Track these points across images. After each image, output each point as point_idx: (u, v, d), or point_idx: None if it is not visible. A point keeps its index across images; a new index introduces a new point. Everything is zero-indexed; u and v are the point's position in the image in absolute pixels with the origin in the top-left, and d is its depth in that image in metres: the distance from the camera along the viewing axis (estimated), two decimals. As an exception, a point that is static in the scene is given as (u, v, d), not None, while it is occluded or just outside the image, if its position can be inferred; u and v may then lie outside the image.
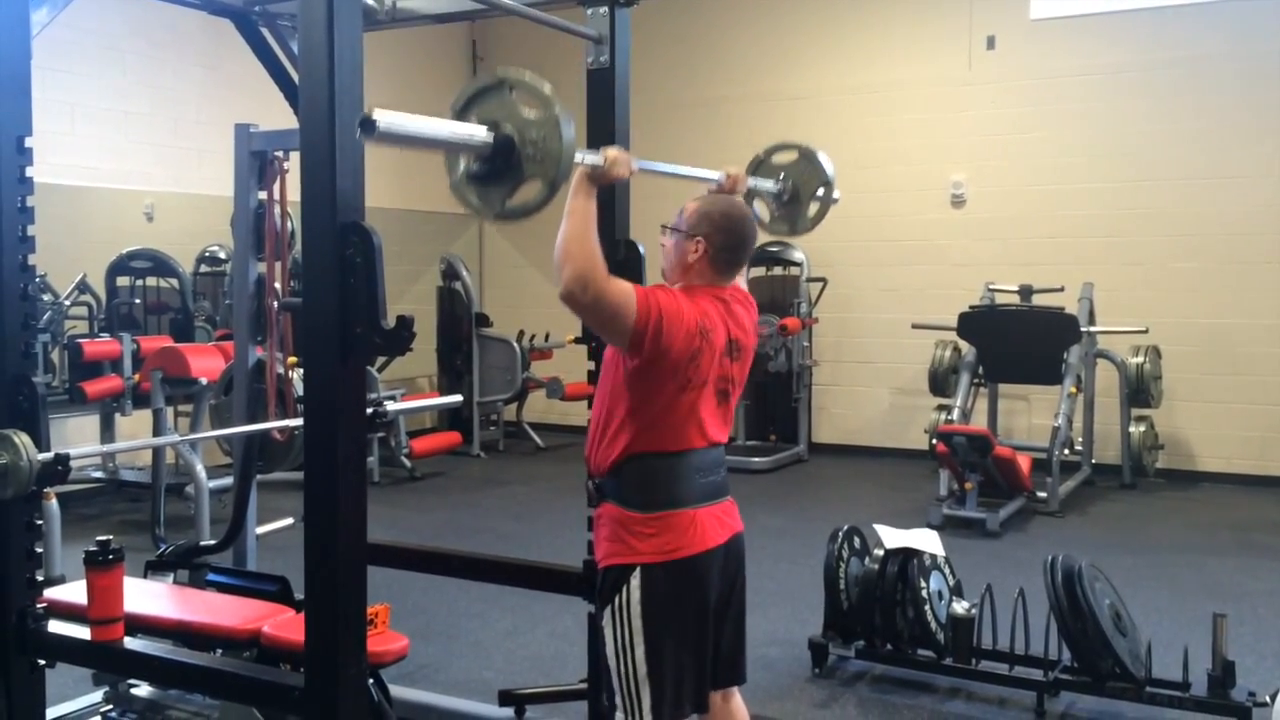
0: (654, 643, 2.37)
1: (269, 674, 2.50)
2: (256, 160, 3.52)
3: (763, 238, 8.71)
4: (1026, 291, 7.59)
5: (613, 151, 2.33)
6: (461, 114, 2.11)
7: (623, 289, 2.29)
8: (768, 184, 3.14)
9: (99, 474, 6.71)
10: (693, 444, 2.42)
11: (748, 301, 2.63)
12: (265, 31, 3.36)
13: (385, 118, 1.80)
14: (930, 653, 3.90)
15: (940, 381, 7.75)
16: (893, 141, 8.56)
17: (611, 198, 2.92)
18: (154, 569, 3.41)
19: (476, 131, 2.04)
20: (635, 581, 2.38)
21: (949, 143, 8.40)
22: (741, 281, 2.71)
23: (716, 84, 9.20)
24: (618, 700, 2.42)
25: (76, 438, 6.52)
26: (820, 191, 3.19)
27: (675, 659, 2.40)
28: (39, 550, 2.61)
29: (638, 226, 3.01)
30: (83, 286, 7.01)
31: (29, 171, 2.53)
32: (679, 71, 9.19)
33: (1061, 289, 7.47)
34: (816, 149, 3.20)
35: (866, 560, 4.06)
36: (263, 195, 3.53)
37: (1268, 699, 3.36)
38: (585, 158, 2.24)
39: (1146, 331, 7.36)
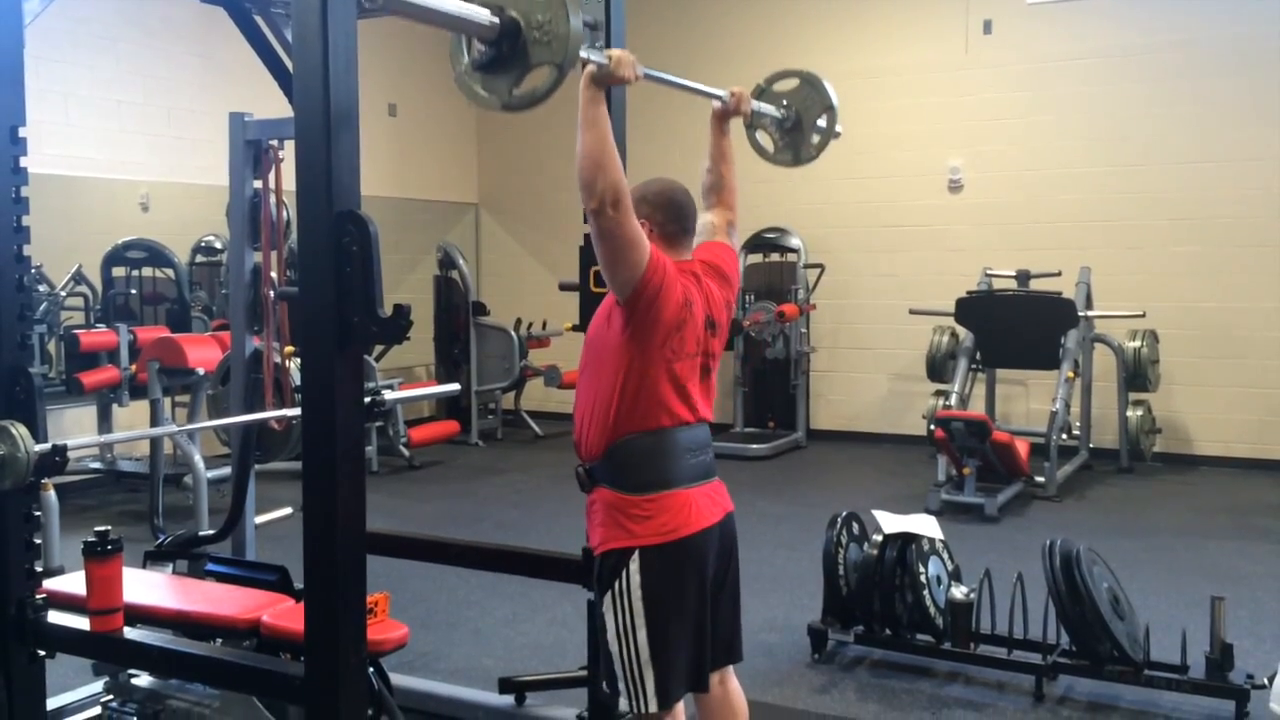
0: (656, 625, 2.38)
1: (269, 663, 2.50)
2: (251, 149, 3.51)
3: (760, 224, 8.65)
4: (1024, 276, 7.59)
5: (617, 52, 2.30)
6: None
7: (635, 221, 2.31)
8: (770, 109, 3.12)
9: (97, 465, 6.71)
10: (681, 418, 2.44)
11: (718, 272, 2.61)
12: (259, 19, 3.34)
13: None
14: (929, 637, 3.91)
15: (938, 367, 7.76)
16: (890, 127, 8.54)
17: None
18: (153, 559, 3.40)
19: (481, 12, 1.99)
20: (634, 565, 2.38)
21: (946, 128, 8.39)
22: (727, 240, 2.76)
23: (712, 70, 9.13)
24: (620, 685, 2.43)
25: (73, 429, 6.52)
26: (822, 120, 3.14)
27: (677, 639, 2.41)
28: (37, 541, 2.61)
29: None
30: (78, 277, 7.00)
31: (23, 162, 2.52)
32: (675, 57, 9.15)
33: (1059, 274, 7.47)
34: (820, 75, 3.16)
35: (865, 546, 4.07)
36: (258, 184, 3.52)
37: (1265, 681, 3.37)
38: (590, 56, 2.20)
39: (1144, 316, 7.37)
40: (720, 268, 2.63)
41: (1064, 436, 6.98)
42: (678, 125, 8.95)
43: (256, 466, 3.57)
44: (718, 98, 2.84)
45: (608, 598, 2.43)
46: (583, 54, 2.08)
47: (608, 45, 2.90)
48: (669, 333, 2.38)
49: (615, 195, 2.23)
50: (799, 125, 3.15)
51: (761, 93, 3.18)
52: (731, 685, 2.68)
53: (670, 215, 2.53)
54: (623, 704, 2.44)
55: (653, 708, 2.39)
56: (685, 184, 2.64)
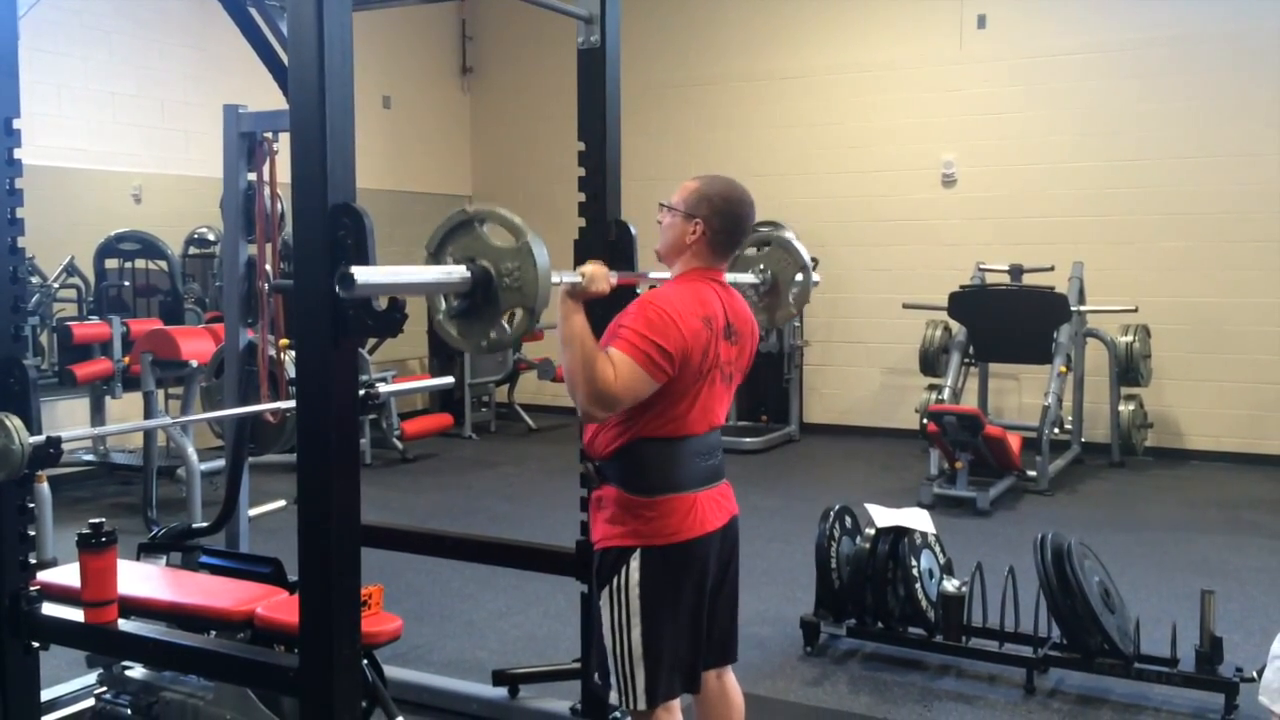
0: (650, 624, 2.39)
1: (263, 655, 2.51)
2: (245, 141, 3.50)
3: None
4: (1017, 271, 7.61)
5: (589, 268, 2.33)
6: (436, 253, 2.14)
7: (626, 374, 2.28)
8: (748, 277, 3.15)
9: (90, 457, 6.70)
10: (695, 430, 2.44)
11: (740, 290, 2.64)
12: (253, 12, 3.33)
13: (363, 273, 1.82)
14: (921, 630, 3.93)
15: (931, 361, 7.78)
16: (884, 121, 8.55)
17: (604, 179, 2.92)
18: (147, 551, 3.40)
19: (455, 270, 2.07)
20: (635, 563, 2.39)
21: (940, 122, 8.39)
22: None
23: (708, 64, 9.17)
24: (612, 680, 2.44)
25: (66, 421, 6.50)
26: (799, 277, 3.20)
27: (671, 640, 2.42)
28: (32, 533, 2.61)
29: (629, 206, 3.00)
30: (71, 269, 6.98)
31: (16, 154, 2.52)
32: (670, 51, 9.16)
33: (1052, 268, 7.49)
34: (786, 232, 3.20)
35: (858, 539, 4.08)
36: (252, 177, 3.51)
37: (1254, 674, 3.38)
38: (564, 278, 2.26)
39: (1136, 310, 7.39)
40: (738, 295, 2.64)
41: (1056, 431, 7.01)
42: (672, 121, 8.97)
43: (250, 459, 3.57)
44: None
45: (605, 593, 2.43)
46: (555, 279, 2.14)
47: (602, 38, 2.91)
48: (695, 361, 2.37)
49: (597, 403, 2.28)
50: (775, 287, 3.20)
51: (735, 260, 3.21)
52: (728, 681, 2.69)
53: (725, 225, 2.49)
54: (614, 698, 2.45)
55: (641, 705, 2.41)
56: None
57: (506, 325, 2.09)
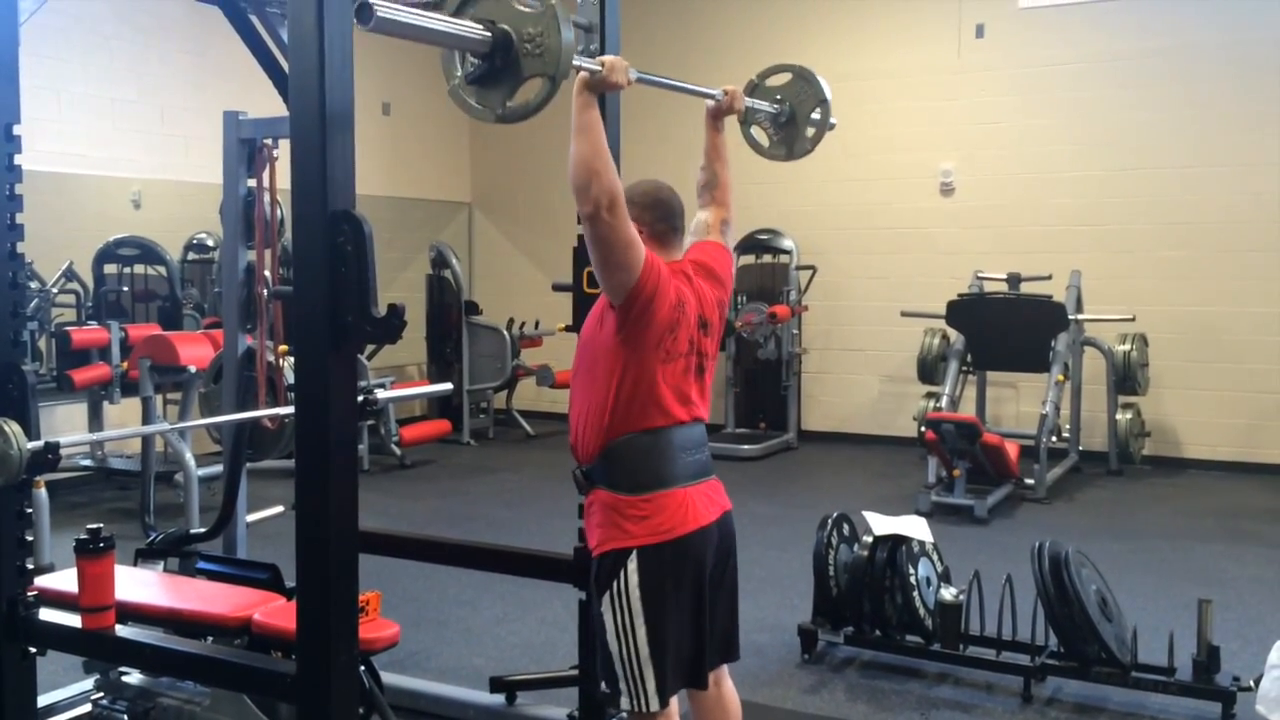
0: (655, 623, 2.39)
1: (260, 661, 2.51)
2: (245, 148, 3.51)
3: (753, 225, 8.65)
4: (1015, 279, 7.62)
5: (609, 58, 2.33)
6: (457, 12, 2.08)
7: (634, 226, 2.33)
8: (764, 105, 3.14)
9: (87, 462, 6.69)
10: (676, 418, 2.45)
11: (710, 272, 2.62)
12: (254, 18, 3.34)
13: (383, 7, 1.78)
14: (918, 638, 3.93)
15: (929, 369, 7.78)
16: (882, 129, 8.56)
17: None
18: (144, 557, 3.40)
19: (474, 27, 2.01)
20: (632, 565, 2.39)
21: (938, 131, 8.41)
22: (720, 238, 2.77)
23: (706, 71, 9.16)
24: (621, 685, 2.43)
25: (64, 426, 6.50)
26: (816, 113, 3.15)
27: (676, 638, 2.42)
28: (30, 539, 2.61)
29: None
30: (70, 274, 6.98)
31: (17, 159, 2.52)
32: (668, 58, 9.17)
33: (1049, 277, 7.50)
34: (813, 69, 3.17)
35: (855, 547, 4.08)
36: (252, 183, 3.52)
37: (1251, 683, 3.39)
38: (583, 64, 2.22)
39: (1134, 319, 7.40)
40: (712, 268, 2.63)
41: (1054, 439, 7.01)
42: (670, 127, 8.97)
43: (248, 464, 3.57)
44: (711, 96, 2.86)
45: (606, 598, 2.43)
46: (575, 62, 2.10)
47: (602, 46, 2.92)
48: (662, 334, 2.39)
49: (610, 199, 2.24)
50: (793, 120, 3.17)
51: (755, 88, 3.20)
52: (726, 686, 2.69)
53: (659, 215, 2.55)
54: (624, 703, 2.44)
55: (654, 706, 2.40)
56: (680, 185, 2.66)
57: (525, 94, 2.04)
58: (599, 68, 2.27)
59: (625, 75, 2.33)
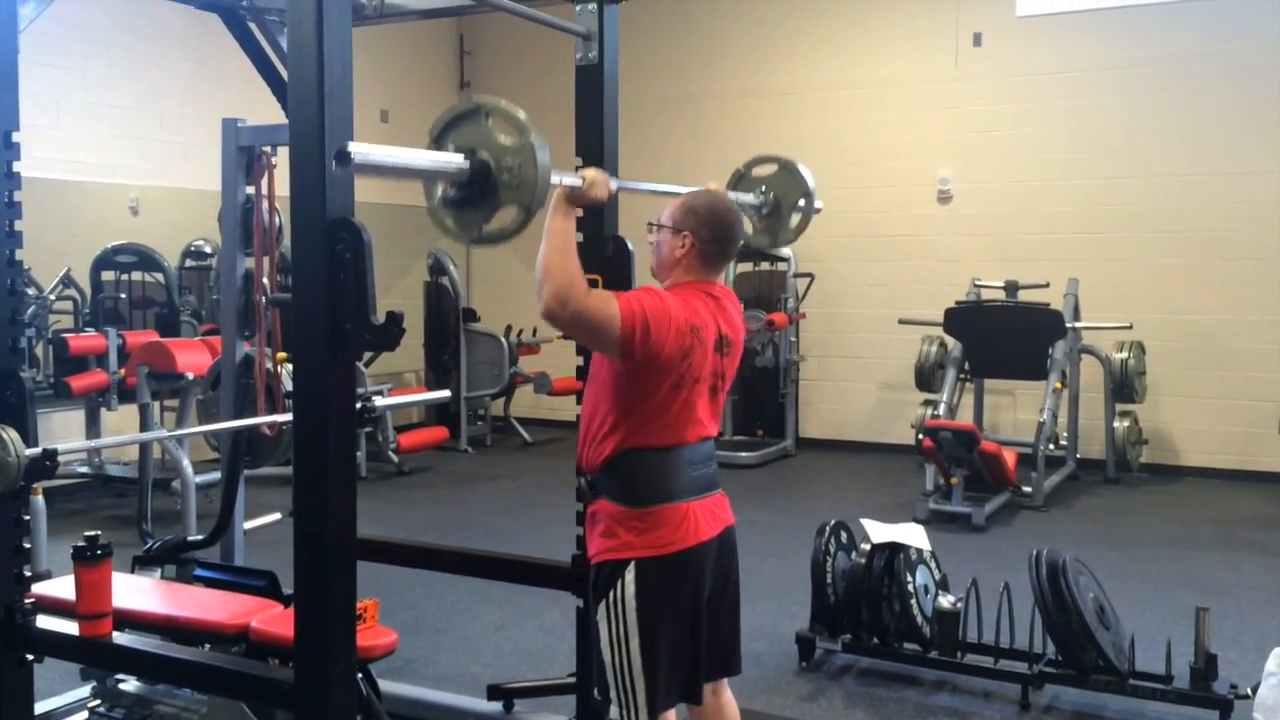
0: (649, 636, 2.39)
1: (258, 669, 2.50)
2: (244, 155, 3.52)
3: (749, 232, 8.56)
4: (1012, 287, 7.64)
5: (590, 173, 2.36)
6: (438, 141, 2.13)
7: (603, 302, 2.30)
8: (748, 198, 3.17)
9: (85, 469, 6.68)
10: (685, 439, 2.44)
11: (735, 299, 2.64)
12: (253, 26, 3.35)
13: (360, 149, 1.83)
14: (916, 646, 3.93)
15: (926, 377, 7.79)
16: (880, 137, 8.58)
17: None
18: (141, 564, 3.40)
19: (453, 159, 2.06)
20: (630, 576, 2.39)
21: (936, 139, 8.43)
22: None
23: (705, 80, 9.21)
24: (612, 694, 2.44)
25: (61, 433, 6.49)
26: (801, 202, 3.22)
27: (669, 652, 2.41)
28: (27, 546, 2.61)
29: (625, 222, 3.01)
30: (67, 281, 6.98)
31: (15, 166, 2.52)
32: (667, 67, 9.20)
33: (1047, 285, 7.51)
34: (796, 161, 3.21)
35: (853, 554, 4.08)
36: (250, 190, 3.52)
37: (1249, 691, 3.39)
38: (563, 179, 2.27)
39: (1131, 327, 7.41)
40: (733, 297, 2.65)
41: (1051, 447, 7.02)
42: (670, 129, 8.99)
43: (246, 472, 3.58)
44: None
45: (602, 607, 2.43)
46: (554, 180, 2.15)
47: (600, 54, 2.92)
48: (672, 363, 2.36)
49: (560, 301, 2.26)
50: (777, 210, 3.22)
51: (741, 177, 3.25)
52: (725, 696, 2.68)
53: (714, 236, 2.51)
54: (614, 712, 2.44)
55: (643, 718, 2.40)
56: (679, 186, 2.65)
57: (501, 220, 2.09)
58: (580, 182, 2.31)
59: (605, 189, 2.37)
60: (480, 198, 2.08)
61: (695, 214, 2.50)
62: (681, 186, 2.79)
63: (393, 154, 1.94)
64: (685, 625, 2.44)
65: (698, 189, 2.64)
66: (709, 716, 2.65)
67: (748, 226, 3.26)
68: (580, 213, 2.44)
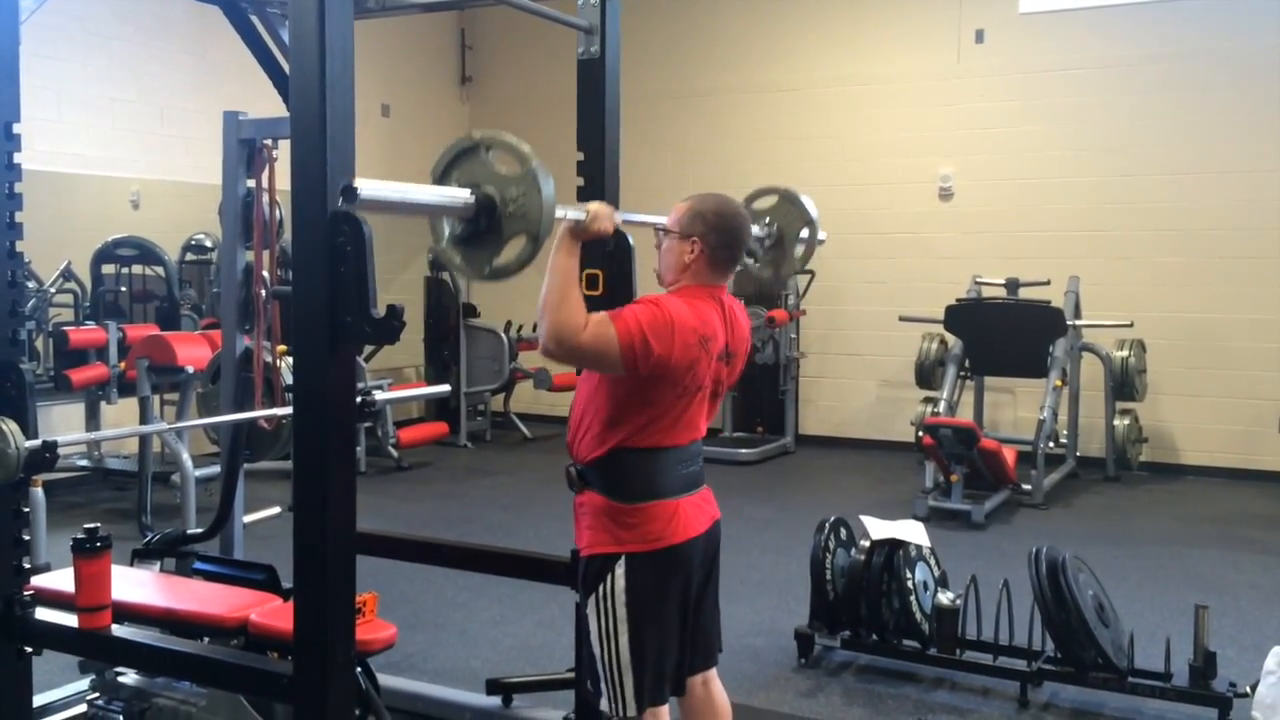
0: (637, 630, 2.40)
1: (257, 662, 2.50)
2: (245, 148, 3.51)
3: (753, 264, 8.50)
4: (1013, 285, 7.63)
5: (594, 206, 2.36)
6: (442, 179, 2.13)
7: (600, 332, 2.30)
8: (754, 229, 3.15)
9: (84, 462, 6.69)
10: (678, 441, 2.46)
11: (742, 308, 2.66)
12: (254, 19, 3.34)
13: (367, 187, 1.84)
14: (915, 643, 3.93)
15: (927, 374, 7.79)
16: (881, 134, 8.57)
17: (603, 190, 2.92)
18: (141, 557, 3.40)
19: (459, 194, 2.07)
20: (620, 570, 2.40)
21: (937, 136, 8.42)
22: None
23: (706, 75, 9.20)
24: (601, 686, 2.45)
25: (61, 426, 6.49)
26: (804, 233, 3.20)
27: (657, 645, 2.43)
28: (26, 538, 2.61)
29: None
30: (68, 274, 6.97)
31: (16, 158, 2.52)
32: (669, 62, 9.18)
33: (1048, 282, 7.51)
34: (797, 191, 3.20)
35: (853, 551, 4.08)
36: (251, 183, 3.52)
37: (1248, 689, 3.39)
38: (568, 213, 2.28)
39: (1131, 325, 7.41)
40: (741, 309, 2.65)
41: (1051, 444, 7.01)
42: (670, 130, 8.99)
43: (245, 465, 3.57)
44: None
45: (591, 600, 2.45)
46: (559, 214, 2.14)
47: (602, 48, 2.92)
48: (678, 375, 2.37)
49: (557, 339, 2.29)
50: (780, 242, 3.20)
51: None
52: (715, 687, 2.69)
53: (723, 240, 2.50)
54: (603, 705, 2.46)
55: (631, 711, 2.42)
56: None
57: (509, 254, 2.09)
58: (583, 215, 2.32)
59: (610, 221, 2.38)
60: (487, 231, 2.09)
61: (703, 219, 2.49)
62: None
63: (399, 190, 1.95)
64: (674, 619, 2.46)
65: (704, 194, 2.62)
66: (700, 709, 2.66)
67: (749, 260, 3.25)
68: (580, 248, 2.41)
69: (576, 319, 2.28)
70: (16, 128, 2.51)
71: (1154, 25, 7.74)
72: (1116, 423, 7.47)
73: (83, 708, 3.19)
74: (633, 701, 2.41)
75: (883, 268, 8.64)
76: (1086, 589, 3.68)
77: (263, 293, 3.46)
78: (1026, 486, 6.80)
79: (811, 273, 8.52)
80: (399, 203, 1.96)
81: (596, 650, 2.45)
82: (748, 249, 2.63)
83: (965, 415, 7.59)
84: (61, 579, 2.84)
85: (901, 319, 8.02)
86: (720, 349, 2.47)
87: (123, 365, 6.21)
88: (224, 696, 2.80)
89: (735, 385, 2.61)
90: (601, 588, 2.42)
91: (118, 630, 2.55)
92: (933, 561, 4.14)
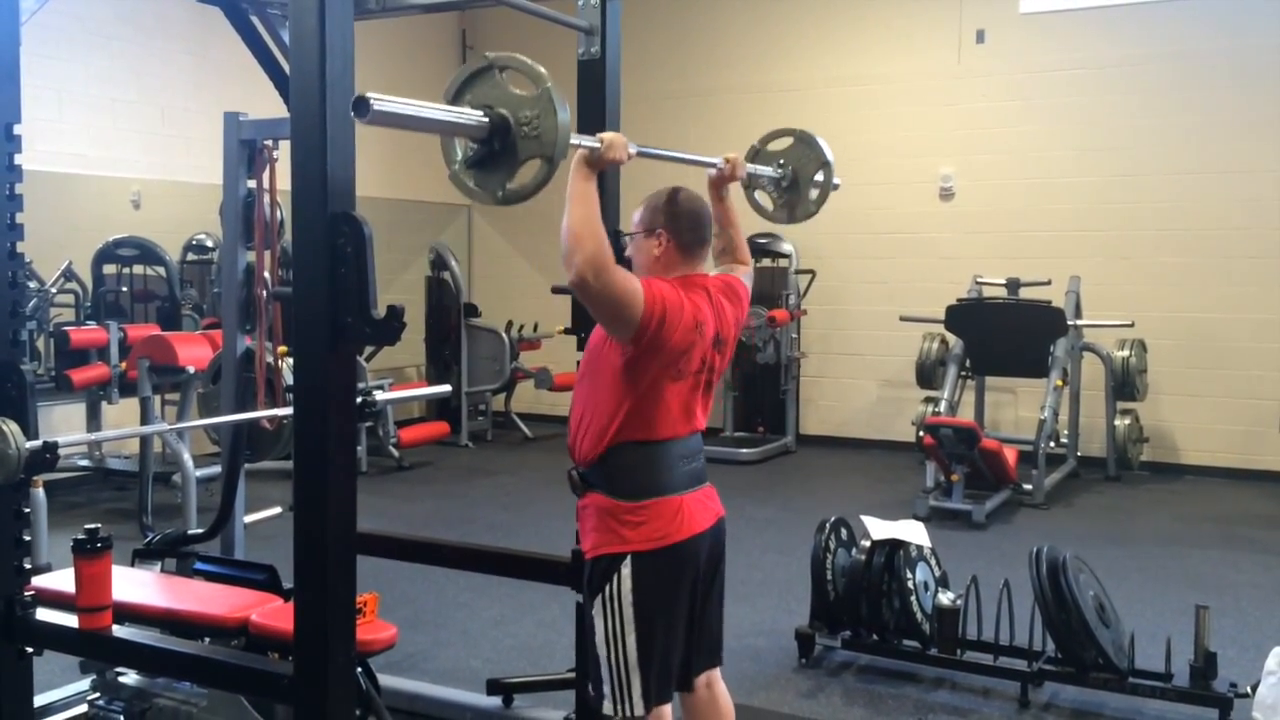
0: (645, 630, 2.40)
1: (257, 662, 2.51)
2: (245, 149, 3.51)
3: (752, 229, 8.67)
4: (1014, 284, 7.63)
5: (609, 135, 2.35)
6: (454, 101, 2.11)
7: (630, 278, 2.32)
8: (767, 170, 3.14)
9: (85, 462, 6.69)
10: (677, 432, 2.46)
11: (732, 291, 2.63)
12: (255, 20, 3.34)
13: (379, 100, 1.80)
14: (916, 643, 3.93)
15: (927, 374, 7.79)
16: (882, 134, 8.57)
17: (604, 191, 2.92)
18: (141, 557, 3.40)
19: (471, 114, 2.04)
20: (626, 570, 2.40)
21: (938, 136, 8.42)
22: (737, 271, 2.76)
23: (707, 75, 9.20)
24: (606, 688, 2.44)
25: (62, 426, 6.50)
26: (819, 175, 3.16)
27: (665, 644, 2.43)
28: (27, 538, 2.61)
29: (629, 216, 3.01)
30: (69, 274, 6.97)
31: (17, 159, 2.52)
32: (669, 62, 9.19)
33: (1048, 282, 7.51)
34: (814, 133, 3.18)
35: (853, 551, 4.08)
36: (252, 184, 3.52)
37: (1249, 690, 3.39)
38: (582, 141, 2.25)
39: (1132, 325, 7.41)
40: (735, 288, 2.65)
41: (1052, 444, 7.01)
42: (669, 130, 8.98)
43: (246, 465, 3.58)
44: (713, 165, 2.83)
45: (597, 601, 2.44)
46: (573, 140, 2.13)
47: (603, 49, 2.92)
48: (674, 357, 2.38)
49: (595, 269, 2.23)
50: (796, 183, 3.18)
51: (756, 154, 3.21)
52: (718, 688, 2.69)
53: (687, 224, 2.52)
54: (607, 707, 2.45)
55: (639, 711, 2.41)
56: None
57: (523, 177, 2.06)
58: (598, 144, 2.30)
59: (624, 151, 2.35)
60: (501, 154, 2.05)
61: (663, 211, 2.52)
62: (703, 156, 2.79)
63: (411, 106, 1.91)
64: (681, 617, 2.46)
65: (715, 162, 2.70)
66: (704, 709, 2.66)
67: (766, 202, 3.25)
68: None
69: (610, 253, 2.27)
70: (17, 128, 2.51)
71: (1155, 25, 7.73)
72: (1117, 423, 7.47)
73: (83, 708, 3.19)
74: (640, 701, 2.41)
75: (883, 268, 8.63)
76: (1087, 589, 3.68)
77: (264, 293, 3.47)
78: (1027, 486, 6.79)
79: (812, 272, 8.53)
80: (411, 118, 1.90)
81: (602, 651, 2.44)
82: (713, 230, 2.62)
83: (966, 415, 7.59)
84: (62, 579, 2.84)
85: (902, 319, 8.02)
86: (712, 335, 2.48)
87: (124, 365, 6.21)
88: (225, 697, 2.80)
89: (736, 386, 2.60)
90: (608, 588, 2.42)
91: (118, 631, 2.55)
92: (933, 561, 4.14)
